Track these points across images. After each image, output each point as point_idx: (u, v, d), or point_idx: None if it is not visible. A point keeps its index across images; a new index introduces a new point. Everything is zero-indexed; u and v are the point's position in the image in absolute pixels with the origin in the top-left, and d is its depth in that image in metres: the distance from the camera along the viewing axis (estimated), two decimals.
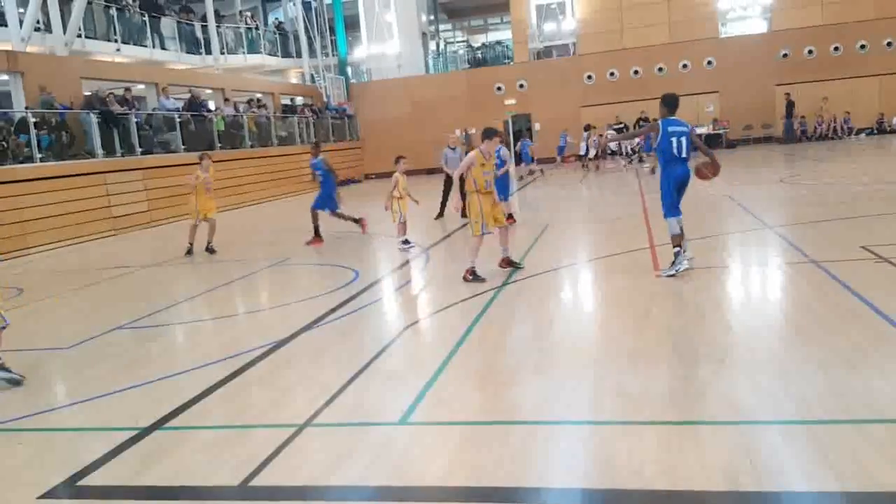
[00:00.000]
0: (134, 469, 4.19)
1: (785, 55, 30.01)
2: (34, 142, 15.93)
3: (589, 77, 31.82)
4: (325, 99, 32.45)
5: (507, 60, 35.23)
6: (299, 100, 31.87)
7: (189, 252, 12.77)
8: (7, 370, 5.98)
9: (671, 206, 7.97)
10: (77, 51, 20.27)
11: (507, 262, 9.00)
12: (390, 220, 11.73)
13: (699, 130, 30.47)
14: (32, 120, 16.07)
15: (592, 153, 26.24)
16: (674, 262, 7.96)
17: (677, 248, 7.97)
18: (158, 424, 4.81)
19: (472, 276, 8.48)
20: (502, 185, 12.29)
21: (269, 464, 4.05)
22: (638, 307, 6.91)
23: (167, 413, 4.98)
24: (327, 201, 13.15)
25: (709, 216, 12.52)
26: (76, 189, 16.36)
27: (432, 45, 38.58)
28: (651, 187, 16.11)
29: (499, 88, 32.70)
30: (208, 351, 6.75)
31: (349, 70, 36.21)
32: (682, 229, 8.00)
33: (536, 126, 32.06)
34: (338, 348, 6.46)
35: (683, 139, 7.72)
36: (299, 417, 4.70)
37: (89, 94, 19.14)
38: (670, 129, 7.75)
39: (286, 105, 30.41)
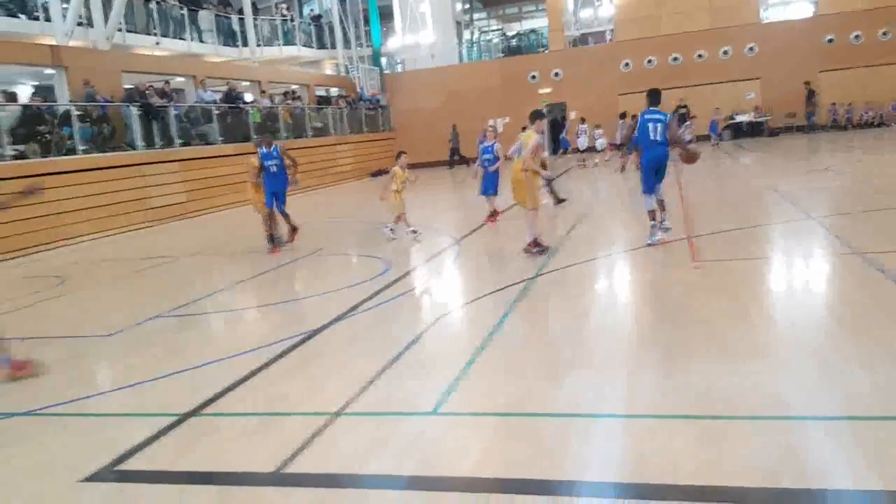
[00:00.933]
0: (172, 454, 4.26)
1: (830, 40, 29.21)
2: (77, 134, 16.26)
3: (626, 64, 31.37)
4: (358, 90, 32.55)
5: (541, 48, 34.90)
6: (334, 91, 32.03)
7: (272, 240, 11.85)
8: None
9: (648, 185, 9.22)
10: (118, 45, 20.63)
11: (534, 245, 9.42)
12: (389, 212, 11.91)
13: (739, 118, 29.95)
14: (75, 113, 16.41)
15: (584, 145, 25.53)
16: (650, 234, 9.21)
17: (652, 222, 9.22)
18: (196, 411, 4.88)
19: (538, 247, 9.21)
20: (492, 181, 12.62)
21: (302, 451, 4.09)
22: (675, 299, 6.81)
23: (205, 400, 5.06)
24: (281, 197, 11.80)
25: (751, 206, 12.28)
26: (117, 181, 16.69)
27: (466, 35, 38.43)
28: (687, 178, 15.86)
29: (533, 77, 32.43)
30: (244, 340, 6.84)
31: (383, 60, 36.25)
32: (661, 204, 9.29)
33: (571, 115, 31.75)
34: (370, 338, 6.48)
35: (659, 125, 9.02)
36: (332, 406, 4.73)
37: (130, 87, 19.48)
38: (647, 117, 9.16)
39: (321, 96, 30.58)
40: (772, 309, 6.38)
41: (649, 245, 9.06)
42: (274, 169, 11.64)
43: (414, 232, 11.71)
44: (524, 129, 10.22)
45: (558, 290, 7.58)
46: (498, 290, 7.62)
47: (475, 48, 37.59)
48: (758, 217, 11.22)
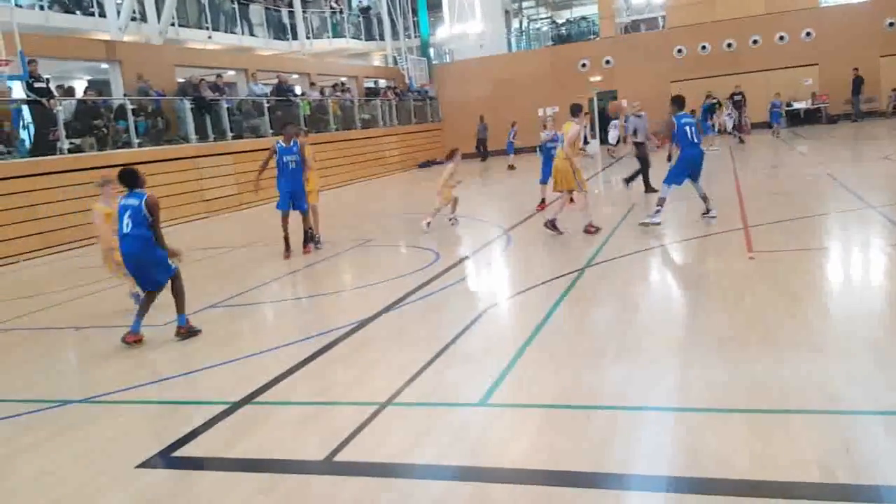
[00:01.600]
0: (225, 441, 4.35)
1: (891, 24, 28.07)
2: (132, 128, 16.69)
3: (679, 51, 30.70)
4: (407, 81, 32.61)
5: (592, 36, 34.41)
6: (382, 82, 32.17)
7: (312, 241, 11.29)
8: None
9: (675, 176, 10.01)
10: (171, 39, 21.08)
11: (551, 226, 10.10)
12: (438, 203, 12.12)
13: (796, 105, 29.05)
14: (130, 107, 16.84)
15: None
16: (652, 214, 9.85)
17: (658, 208, 9.85)
18: (248, 399, 4.97)
19: (594, 227, 9.94)
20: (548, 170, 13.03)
21: (352, 440, 4.13)
22: (729, 290, 6.65)
23: (257, 388, 5.14)
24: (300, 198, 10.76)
25: (807, 195, 11.92)
26: (171, 173, 17.06)
27: (515, 23, 38.12)
28: (742, 167, 15.46)
29: (583, 65, 31.99)
30: (295, 329, 6.94)
31: (431, 51, 36.24)
32: (704, 198, 10.13)
33: (623, 103, 31.22)
34: (419, 329, 6.50)
35: (692, 128, 10.05)
36: (381, 396, 4.76)
37: (182, 80, 19.90)
38: (684, 121, 10.10)
39: (369, 88, 30.75)
40: (828, 301, 6.18)
41: (642, 224, 9.97)
42: (292, 165, 10.59)
43: (454, 221, 12.30)
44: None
45: (608, 281, 7.48)
46: (547, 281, 7.56)
47: (524, 37, 37.28)
48: (814, 206, 10.88)
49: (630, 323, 6.03)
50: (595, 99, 31.81)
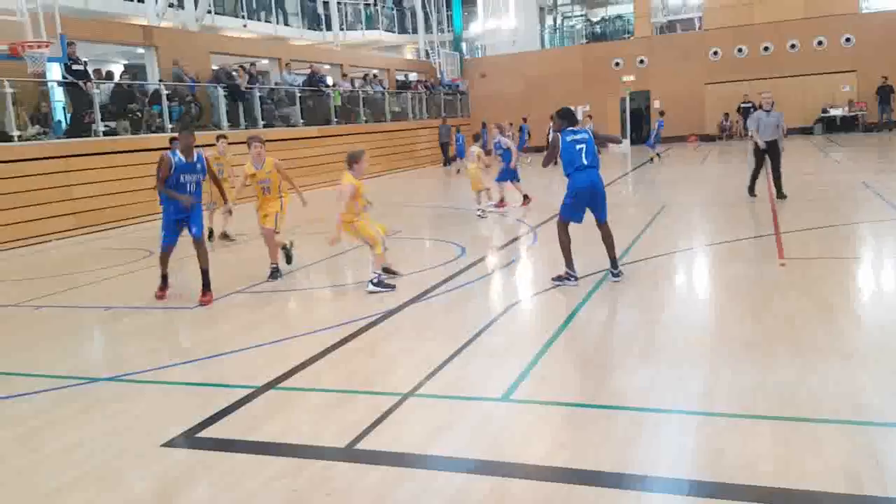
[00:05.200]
0: (248, 425, 4.39)
1: None
2: (166, 113, 16.89)
3: (715, 53, 30.33)
4: (438, 75, 32.60)
5: (626, 35, 34.10)
6: (413, 75, 32.19)
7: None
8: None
9: (568, 210, 7.32)
10: (207, 26, 21.29)
11: None
12: (475, 189, 12.87)
13: (833, 112, 28.56)
14: (165, 92, 17.04)
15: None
16: (560, 277, 7.35)
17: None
18: (272, 384, 5.02)
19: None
20: (511, 172, 13.39)
21: (373, 429, 4.15)
22: (758, 296, 6.57)
23: (280, 374, 5.19)
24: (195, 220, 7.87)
25: (841, 204, 11.71)
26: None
27: (549, 20, 37.89)
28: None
29: (616, 64, 31.74)
30: (319, 318, 6.99)
31: (463, 46, 36.17)
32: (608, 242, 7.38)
33: (656, 104, 30.94)
34: (442, 322, 6.51)
35: (588, 146, 7.22)
36: (403, 387, 4.77)
37: (216, 68, 20.09)
38: (568, 139, 7.24)
39: (400, 80, 30.79)
40: (859, 310, 6.08)
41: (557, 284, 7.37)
42: (192, 187, 7.77)
43: (481, 213, 12.65)
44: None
45: (635, 283, 7.41)
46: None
47: (557, 34, 37.03)
48: (848, 214, 10.70)
49: (656, 325, 5.98)
50: (628, 98, 31.55)
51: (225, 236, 11.96)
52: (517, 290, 7.87)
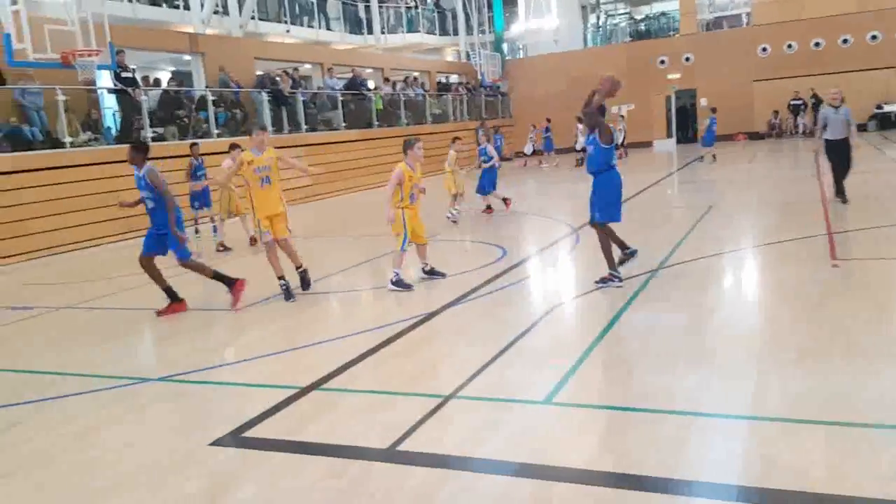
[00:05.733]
0: (292, 425, 4.44)
1: None
2: (212, 118, 17.21)
3: (763, 49, 29.65)
4: (479, 76, 32.56)
5: (672, 32, 33.58)
6: (454, 77, 32.21)
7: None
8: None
9: (612, 209, 7.29)
10: (251, 32, 21.64)
11: None
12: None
13: (888, 108, 27.69)
14: (211, 98, 17.36)
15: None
16: (604, 279, 7.24)
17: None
18: (316, 385, 5.06)
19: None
20: (490, 180, 13.71)
21: (415, 431, 4.15)
22: (810, 298, 6.39)
23: (323, 375, 5.23)
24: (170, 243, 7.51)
25: (894, 204, 11.33)
26: None
27: (592, 18, 37.54)
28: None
29: (662, 62, 31.27)
30: (361, 320, 7.03)
31: (505, 46, 36.05)
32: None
33: (703, 102, 30.38)
34: (484, 324, 6.48)
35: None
36: (444, 389, 4.77)
37: (261, 73, 20.40)
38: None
39: (440, 83, 30.84)
40: None
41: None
42: (150, 204, 7.48)
43: (453, 216, 12.84)
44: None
45: (682, 285, 7.28)
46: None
47: (600, 32, 36.66)
48: None
49: (704, 328, 5.86)
50: (673, 97, 31.07)
51: (223, 246, 12.03)
52: (559, 291, 7.80)
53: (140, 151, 7.37)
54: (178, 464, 4.03)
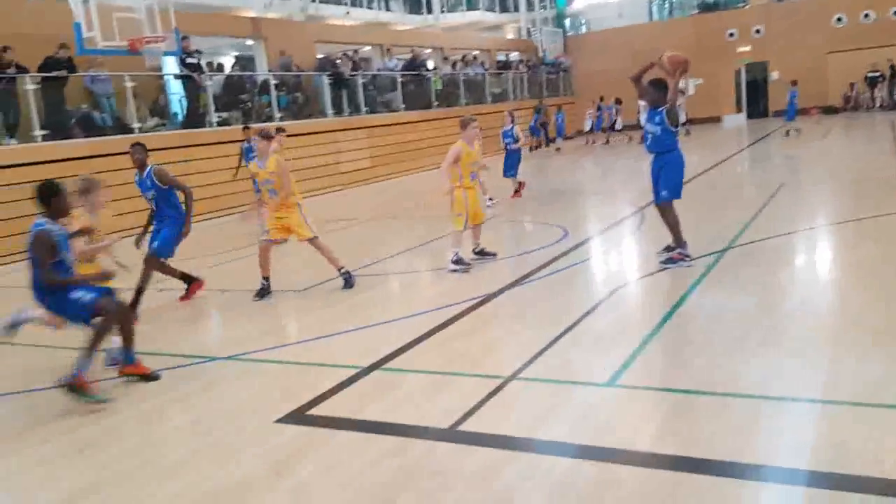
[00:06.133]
0: (355, 403, 4.50)
1: None
2: (274, 102, 17.49)
3: (839, 19, 28.28)
4: (540, 53, 32.07)
5: (742, 4, 32.33)
6: (514, 55, 31.82)
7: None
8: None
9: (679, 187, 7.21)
10: (311, 16, 21.83)
11: None
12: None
13: None
14: (273, 82, 17.62)
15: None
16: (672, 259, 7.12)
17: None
18: (378, 365, 5.11)
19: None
20: (511, 163, 13.47)
21: (476, 411, 4.15)
22: (887, 279, 6.10)
23: (385, 355, 5.28)
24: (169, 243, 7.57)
25: None
26: (310, 146, 17.72)
27: None
28: None
29: (731, 35, 30.19)
30: (422, 300, 7.06)
31: (566, 22, 35.38)
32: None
33: (774, 75, 29.22)
34: (546, 305, 6.42)
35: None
36: (507, 369, 4.75)
37: (321, 56, 20.59)
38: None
39: (500, 61, 30.51)
40: None
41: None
42: (152, 205, 7.69)
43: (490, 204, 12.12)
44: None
45: (753, 264, 7.05)
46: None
47: (666, 5, 35.59)
48: None
49: (775, 309, 5.67)
50: (743, 70, 30.00)
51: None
52: (623, 272, 7.67)
53: (145, 150, 7.44)
54: (244, 441, 4.14)
